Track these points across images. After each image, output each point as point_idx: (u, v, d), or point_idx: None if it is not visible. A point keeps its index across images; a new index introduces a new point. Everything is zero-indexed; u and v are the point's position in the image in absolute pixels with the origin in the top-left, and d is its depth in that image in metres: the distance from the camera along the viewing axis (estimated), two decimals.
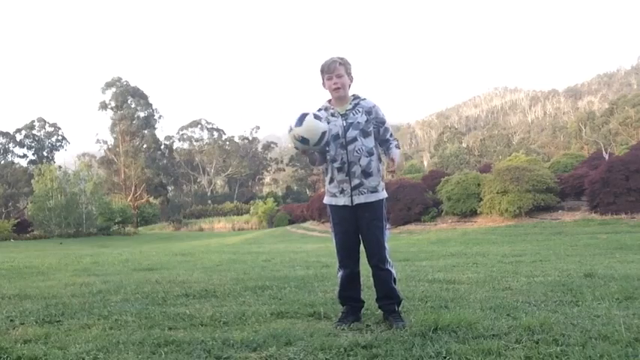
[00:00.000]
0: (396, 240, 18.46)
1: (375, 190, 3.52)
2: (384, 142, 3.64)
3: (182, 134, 77.64)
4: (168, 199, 70.78)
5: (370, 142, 3.54)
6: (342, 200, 3.52)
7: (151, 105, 64.36)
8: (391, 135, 3.66)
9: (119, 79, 61.57)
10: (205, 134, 77.47)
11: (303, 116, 3.34)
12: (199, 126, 77.15)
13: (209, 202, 70.04)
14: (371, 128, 3.56)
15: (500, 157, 57.68)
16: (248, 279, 6.17)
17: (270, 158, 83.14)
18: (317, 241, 21.88)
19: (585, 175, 20.86)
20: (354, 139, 3.50)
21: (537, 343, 2.67)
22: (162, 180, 65.95)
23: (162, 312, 4.04)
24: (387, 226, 3.59)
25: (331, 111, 3.61)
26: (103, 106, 60.92)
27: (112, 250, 18.39)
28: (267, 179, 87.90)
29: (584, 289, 4.23)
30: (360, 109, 3.57)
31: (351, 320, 3.43)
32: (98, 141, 63.25)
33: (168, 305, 4.42)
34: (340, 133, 3.51)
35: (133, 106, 62.06)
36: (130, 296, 5.00)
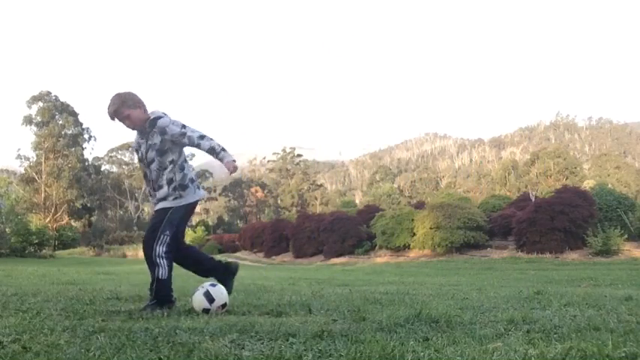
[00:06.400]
0: (331, 271, 18.27)
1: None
2: (207, 150, 3.79)
3: (111, 156, 74.57)
4: (91, 223, 67.17)
5: (167, 158, 3.81)
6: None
7: (80, 123, 61.37)
8: (201, 137, 3.77)
9: (48, 94, 58.39)
10: (136, 158, 74.80)
11: (208, 293, 3.58)
12: (130, 149, 74.42)
13: (135, 228, 67.12)
14: (168, 146, 3.79)
15: (429, 198, 59.38)
16: (185, 288, 5.67)
17: (203, 187, 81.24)
18: (249, 269, 21.21)
19: (513, 215, 21.72)
20: (152, 160, 3.84)
21: (528, 332, 2.50)
22: (87, 203, 62.50)
23: (92, 309, 3.55)
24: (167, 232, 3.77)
25: (139, 135, 3.92)
26: (28, 120, 57.35)
27: (26, 267, 16.92)
28: (198, 208, 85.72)
29: (548, 297, 4.17)
30: (156, 131, 3.79)
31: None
32: (19, 157, 59.31)
33: (97, 305, 3.91)
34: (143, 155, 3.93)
35: (60, 122, 58.89)
36: (52, 297, 4.42)
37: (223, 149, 3.73)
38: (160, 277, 3.72)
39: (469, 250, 21.98)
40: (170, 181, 3.80)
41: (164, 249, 3.70)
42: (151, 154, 3.81)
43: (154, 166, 3.84)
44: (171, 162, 3.81)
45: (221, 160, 3.72)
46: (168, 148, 3.78)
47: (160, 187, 3.83)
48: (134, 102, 3.79)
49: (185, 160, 3.94)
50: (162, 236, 3.72)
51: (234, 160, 3.75)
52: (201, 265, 4.06)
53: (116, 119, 3.78)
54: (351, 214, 30.77)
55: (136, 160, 75.30)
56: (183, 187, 3.83)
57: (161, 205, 3.83)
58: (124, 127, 3.84)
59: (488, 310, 3.46)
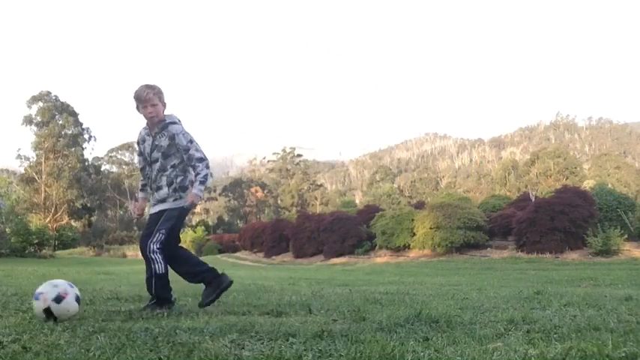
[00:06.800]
0: (331, 271, 18.29)
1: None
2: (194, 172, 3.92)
3: (111, 157, 74.58)
4: (91, 223, 67.18)
5: (169, 162, 3.92)
6: None
7: (80, 123, 61.42)
8: (199, 160, 3.86)
9: (48, 94, 58.37)
10: (136, 158, 74.85)
11: (62, 297, 3.10)
12: (130, 149, 74.43)
13: (135, 228, 67.12)
14: (173, 151, 3.92)
15: (429, 198, 59.35)
16: (186, 289, 5.67)
17: None
18: (249, 269, 21.23)
19: (513, 215, 21.70)
20: (156, 160, 3.94)
21: (528, 332, 2.49)
22: (87, 203, 62.52)
23: (92, 309, 3.55)
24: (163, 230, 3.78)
25: (147, 131, 4.01)
26: (28, 120, 57.35)
27: (26, 267, 16.94)
28: (198, 208, 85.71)
29: (548, 297, 4.16)
30: (166, 134, 3.91)
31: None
32: (19, 157, 59.29)
33: (97, 305, 3.92)
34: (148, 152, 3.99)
35: (60, 122, 58.91)
36: None
37: (202, 182, 3.84)
38: (158, 272, 3.75)
39: (469, 250, 21.97)
40: (170, 183, 3.91)
41: (157, 246, 3.75)
42: (156, 154, 3.93)
43: (155, 166, 3.94)
44: (173, 166, 3.92)
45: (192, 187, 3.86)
46: (172, 152, 3.91)
47: (159, 188, 3.92)
48: (164, 99, 3.97)
49: (186, 163, 3.99)
50: (157, 234, 3.78)
51: (200, 197, 3.85)
52: (189, 267, 3.95)
53: (142, 104, 3.86)
54: (351, 214, 30.74)
55: (135, 160, 75.53)
56: (183, 188, 3.92)
57: (161, 206, 3.90)
58: (138, 114, 3.92)
59: (488, 310, 3.46)
